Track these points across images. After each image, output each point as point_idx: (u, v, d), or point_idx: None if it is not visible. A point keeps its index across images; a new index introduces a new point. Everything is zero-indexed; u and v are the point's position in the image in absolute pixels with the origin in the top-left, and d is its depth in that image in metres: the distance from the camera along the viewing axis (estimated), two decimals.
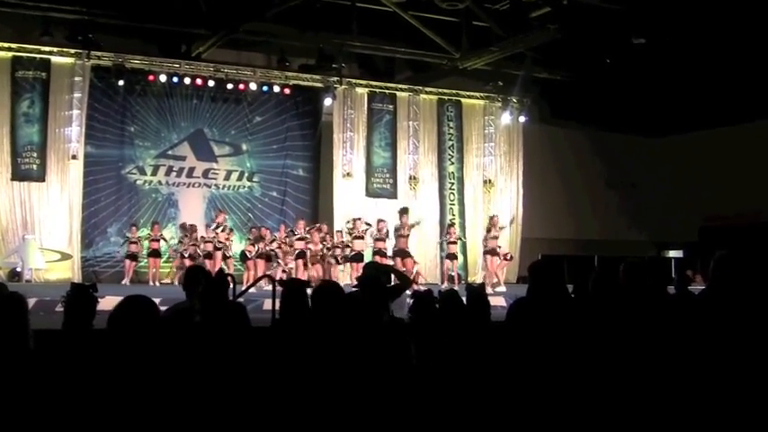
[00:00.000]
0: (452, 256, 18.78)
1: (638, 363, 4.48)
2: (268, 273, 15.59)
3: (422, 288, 7.34)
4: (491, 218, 19.10)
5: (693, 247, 21.95)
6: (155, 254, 17.58)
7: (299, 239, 17.27)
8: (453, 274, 18.50)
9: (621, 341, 4.58)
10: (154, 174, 19.14)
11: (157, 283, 17.24)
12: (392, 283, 6.45)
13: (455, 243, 18.93)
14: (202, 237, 17.63)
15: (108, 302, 4.36)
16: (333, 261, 17.74)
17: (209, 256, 17.14)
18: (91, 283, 4.54)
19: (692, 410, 4.25)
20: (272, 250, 17.13)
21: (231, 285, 6.54)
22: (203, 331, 4.12)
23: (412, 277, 16.27)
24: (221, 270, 8.03)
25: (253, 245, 17.25)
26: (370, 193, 20.24)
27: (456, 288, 13.36)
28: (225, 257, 17.48)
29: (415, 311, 5.20)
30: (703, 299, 4.83)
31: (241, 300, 8.94)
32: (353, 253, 17.72)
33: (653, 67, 19.03)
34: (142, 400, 3.48)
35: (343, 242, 18.04)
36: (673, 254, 23.06)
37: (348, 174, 19.94)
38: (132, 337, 3.67)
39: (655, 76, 19.63)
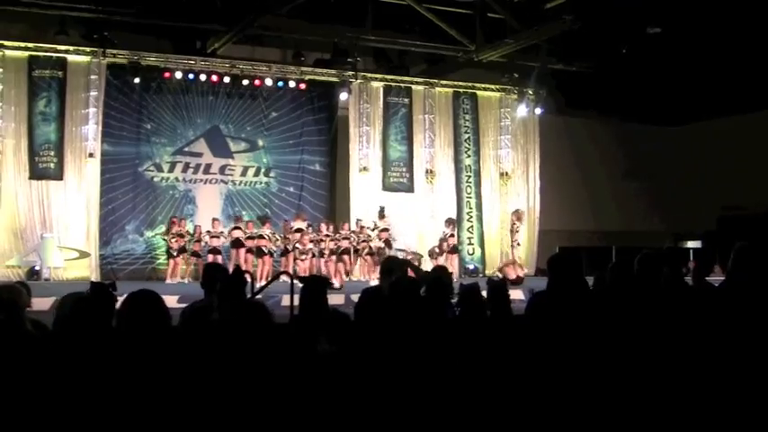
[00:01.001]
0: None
1: (653, 354, 4.46)
2: (284, 271, 15.61)
3: None
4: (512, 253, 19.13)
5: (712, 236, 21.77)
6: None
7: (345, 238, 17.62)
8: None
9: (637, 332, 4.56)
10: (171, 171, 19.19)
11: (176, 280, 17.16)
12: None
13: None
14: (208, 231, 17.59)
15: None
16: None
17: (213, 250, 17.22)
18: (110, 282, 4.57)
19: (709, 404, 4.23)
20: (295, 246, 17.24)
21: (249, 282, 6.56)
22: (222, 329, 4.14)
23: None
24: (238, 267, 8.04)
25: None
26: (387, 187, 20.22)
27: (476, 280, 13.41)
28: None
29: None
30: (723, 290, 4.81)
31: (259, 296, 8.98)
32: (367, 250, 17.83)
33: (669, 55, 18.91)
34: (159, 397, 3.50)
35: (367, 235, 18.13)
36: (691, 244, 22.88)
37: (364, 168, 19.94)
38: (141, 333, 3.70)
39: (671, 65, 19.51)
